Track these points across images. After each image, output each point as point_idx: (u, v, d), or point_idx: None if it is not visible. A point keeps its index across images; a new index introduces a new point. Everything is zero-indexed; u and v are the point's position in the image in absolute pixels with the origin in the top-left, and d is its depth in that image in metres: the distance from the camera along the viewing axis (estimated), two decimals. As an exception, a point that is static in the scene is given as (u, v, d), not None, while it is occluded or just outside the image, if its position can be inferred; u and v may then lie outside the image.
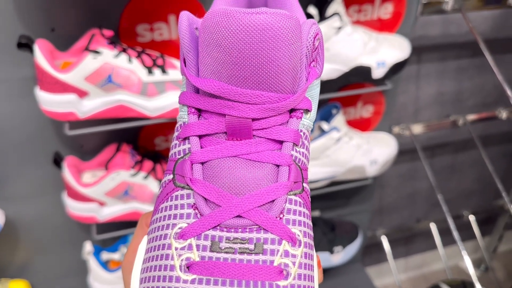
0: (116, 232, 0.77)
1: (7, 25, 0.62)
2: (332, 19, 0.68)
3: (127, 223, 0.78)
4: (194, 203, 0.25)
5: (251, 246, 0.24)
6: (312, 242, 0.27)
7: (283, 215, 0.25)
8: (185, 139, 0.27)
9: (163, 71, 0.63)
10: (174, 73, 0.64)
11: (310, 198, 0.28)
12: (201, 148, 0.26)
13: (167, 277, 0.24)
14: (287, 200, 0.26)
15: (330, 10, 0.68)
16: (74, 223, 0.82)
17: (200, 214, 0.25)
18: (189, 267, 0.23)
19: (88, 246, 0.78)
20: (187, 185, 0.26)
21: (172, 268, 0.24)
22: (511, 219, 1.41)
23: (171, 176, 0.27)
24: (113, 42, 0.61)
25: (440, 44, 1.02)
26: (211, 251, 0.24)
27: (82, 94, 0.60)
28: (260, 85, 0.25)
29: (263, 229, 0.24)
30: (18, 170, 0.74)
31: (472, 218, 1.30)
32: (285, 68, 0.25)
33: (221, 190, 0.25)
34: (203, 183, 0.25)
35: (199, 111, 0.27)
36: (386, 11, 0.81)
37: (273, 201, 0.25)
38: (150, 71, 0.62)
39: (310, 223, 0.27)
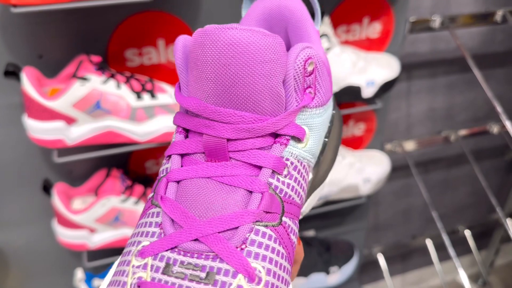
0: (107, 259, 0.76)
1: (-6, 53, 0.62)
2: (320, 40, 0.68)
3: (119, 250, 0.76)
4: (161, 222, 0.24)
5: (203, 275, 0.22)
6: (281, 285, 0.24)
7: (245, 246, 0.23)
8: (168, 157, 0.27)
9: (152, 95, 0.63)
10: (164, 97, 0.64)
11: (295, 237, 0.26)
12: (181, 167, 0.26)
13: None
14: (253, 230, 0.23)
15: (318, 31, 0.68)
16: (64, 251, 0.80)
17: (164, 233, 0.24)
18: (139, 286, 0.22)
19: (79, 274, 0.77)
20: (158, 203, 0.25)
21: (124, 285, 0.23)
22: (507, 232, 1.40)
23: (152, 194, 0.27)
24: (101, 68, 0.61)
25: (430, 61, 1.03)
26: (162, 273, 0.22)
27: (70, 121, 0.60)
28: (235, 104, 0.24)
29: (219, 257, 0.22)
30: (7, 197, 0.73)
31: (467, 233, 1.30)
32: (259, 87, 0.24)
33: (186, 211, 0.24)
34: (172, 202, 0.24)
35: (187, 131, 0.27)
36: (374, 31, 0.82)
37: (236, 228, 0.23)
38: (139, 96, 0.62)
39: (284, 263, 0.24)
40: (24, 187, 0.73)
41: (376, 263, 1.23)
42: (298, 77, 0.26)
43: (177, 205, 0.24)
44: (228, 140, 0.25)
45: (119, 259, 0.26)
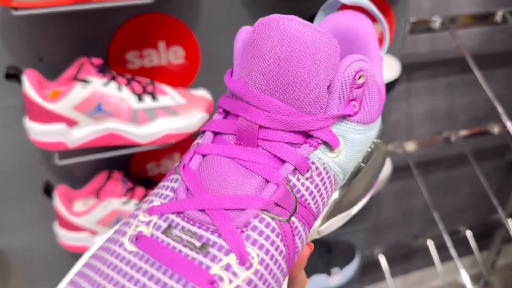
0: (109, 261, 0.76)
1: (-5, 56, 0.62)
2: (321, 41, 0.68)
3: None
4: (177, 188, 0.25)
5: (198, 244, 0.22)
6: (270, 280, 0.23)
7: (246, 230, 0.23)
8: (203, 133, 0.28)
9: (154, 97, 0.63)
10: (165, 100, 0.64)
11: (300, 242, 0.26)
12: (211, 143, 0.27)
13: (116, 239, 0.24)
14: (258, 217, 0.24)
15: (319, 32, 0.68)
16: (66, 253, 0.80)
17: (176, 199, 0.25)
18: (137, 239, 0.23)
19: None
20: (180, 171, 0.26)
21: (124, 234, 0.24)
22: (508, 233, 1.40)
23: (177, 163, 0.28)
24: (102, 70, 0.61)
25: (430, 61, 1.03)
26: (162, 232, 0.23)
27: (71, 123, 0.60)
28: (277, 94, 0.25)
29: (218, 232, 0.23)
30: (8, 200, 0.73)
31: (469, 233, 1.30)
32: (303, 82, 0.24)
33: (203, 182, 0.25)
34: (192, 172, 0.25)
35: (227, 113, 0.28)
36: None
37: (243, 210, 0.24)
38: (140, 98, 0.62)
39: (280, 260, 0.24)
40: (25, 189, 0.73)
41: (377, 264, 1.23)
42: (345, 86, 0.26)
43: (195, 176, 0.25)
44: (260, 127, 0.25)
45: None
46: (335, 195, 0.30)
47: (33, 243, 0.78)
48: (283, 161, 0.25)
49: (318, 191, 0.26)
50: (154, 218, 0.24)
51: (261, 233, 0.23)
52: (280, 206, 0.24)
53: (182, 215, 0.24)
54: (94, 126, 0.61)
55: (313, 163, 0.26)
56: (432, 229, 1.33)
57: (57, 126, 0.59)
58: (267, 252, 0.23)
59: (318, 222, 0.30)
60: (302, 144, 0.26)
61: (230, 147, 0.26)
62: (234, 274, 0.22)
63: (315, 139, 0.26)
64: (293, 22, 0.24)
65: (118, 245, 0.24)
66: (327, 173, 0.27)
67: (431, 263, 1.36)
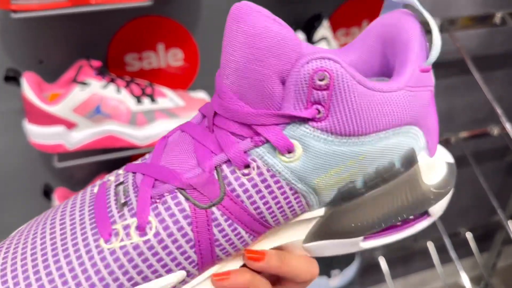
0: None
1: (-6, 59, 0.62)
2: (319, 43, 0.68)
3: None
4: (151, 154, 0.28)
5: (123, 200, 0.25)
6: (162, 254, 0.24)
7: (157, 202, 0.24)
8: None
9: (152, 99, 0.63)
10: (164, 102, 0.64)
11: (219, 237, 0.25)
12: (193, 122, 0.28)
13: (95, 184, 0.29)
14: (173, 193, 0.25)
15: (318, 35, 0.69)
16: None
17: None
18: (100, 186, 0.27)
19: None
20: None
21: (89, 185, 0.29)
22: (508, 234, 1.40)
23: None
24: (101, 72, 0.61)
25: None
26: (115, 185, 0.26)
27: (70, 125, 0.60)
28: (230, 82, 0.24)
29: (134, 193, 0.25)
30: (8, 202, 0.73)
31: (469, 235, 1.29)
32: (245, 72, 0.24)
33: (162, 152, 0.27)
34: (163, 142, 0.28)
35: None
36: (373, 33, 0.82)
37: (164, 183, 0.25)
38: (139, 100, 0.62)
39: (183, 244, 0.24)
40: (25, 192, 0.73)
41: (377, 266, 1.23)
42: (302, 84, 0.23)
43: (162, 145, 0.27)
44: (215, 113, 0.26)
45: None
46: (319, 212, 0.28)
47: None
48: (222, 150, 0.25)
49: (259, 193, 0.25)
50: (122, 172, 0.27)
51: (168, 208, 0.24)
52: (198, 191, 0.25)
53: (134, 176, 0.26)
54: (93, 128, 0.61)
55: (254, 160, 0.25)
56: (432, 231, 1.32)
57: (56, 129, 0.59)
58: (166, 228, 0.24)
59: (299, 236, 0.29)
60: (246, 137, 0.25)
61: (196, 128, 0.26)
62: (128, 235, 0.24)
63: (259, 136, 0.25)
64: (246, 12, 0.23)
65: (89, 188, 0.28)
66: (273, 176, 0.25)
67: (431, 265, 1.36)
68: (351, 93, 0.24)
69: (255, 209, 0.25)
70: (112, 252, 0.24)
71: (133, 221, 0.24)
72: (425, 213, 0.30)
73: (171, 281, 0.25)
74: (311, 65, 0.23)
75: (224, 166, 0.25)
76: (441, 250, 1.21)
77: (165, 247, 0.24)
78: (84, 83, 0.59)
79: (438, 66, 1.11)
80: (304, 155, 0.25)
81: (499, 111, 0.78)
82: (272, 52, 0.23)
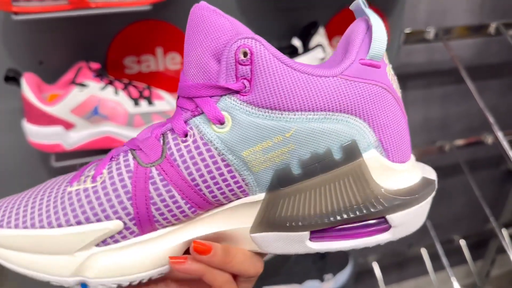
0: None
1: (-5, 59, 0.63)
2: (315, 50, 0.69)
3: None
4: None
5: (92, 172, 0.31)
6: (102, 199, 0.29)
7: (114, 159, 0.30)
8: None
9: (150, 102, 0.64)
10: (161, 104, 0.65)
11: (154, 195, 0.29)
12: None
13: None
14: (126, 152, 0.30)
15: (314, 41, 0.70)
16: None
17: None
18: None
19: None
20: None
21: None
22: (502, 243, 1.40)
23: None
24: (100, 74, 0.62)
25: (425, 71, 1.04)
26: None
27: (68, 126, 0.61)
28: (184, 69, 0.29)
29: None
30: (5, 202, 0.74)
31: (463, 242, 1.30)
32: (188, 52, 0.28)
33: None
34: None
35: None
36: (369, 41, 0.83)
37: (123, 146, 0.31)
38: (136, 102, 0.63)
39: (121, 194, 0.29)
40: (22, 190, 0.74)
41: (371, 272, 1.24)
42: (230, 60, 0.27)
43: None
44: (178, 96, 0.30)
45: None
46: (260, 196, 0.30)
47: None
48: (170, 121, 0.29)
49: (192, 158, 0.28)
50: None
51: (118, 163, 0.29)
52: (143, 151, 0.29)
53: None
54: (90, 129, 0.62)
55: (191, 129, 0.28)
56: (428, 238, 1.33)
57: (54, 129, 0.60)
58: (111, 178, 0.29)
59: (245, 223, 0.30)
60: (188, 110, 0.29)
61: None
62: (85, 181, 0.30)
63: (197, 108, 0.28)
64: (197, 7, 0.28)
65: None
66: (205, 144, 0.28)
67: (425, 272, 1.36)
68: (270, 69, 0.27)
69: (189, 174, 0.28)
70: (70, 194, 0.29)
71: (92, 173, 0.30)
72: (384, 222, 0.29)
73: (107, 227, 0.29)
74: (236, 44, 0.27)
75: (169, 134, 0.29)
76: (435, 257, 1.22)
77: (106, 194, 0.29)
78: (82, 85, 0.60)
79: (434, 74, 1.13)
80: (233, 126, 0.28)
81: (491, 120, 0.79)
82: (207, 35, 0.27)
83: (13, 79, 0.59)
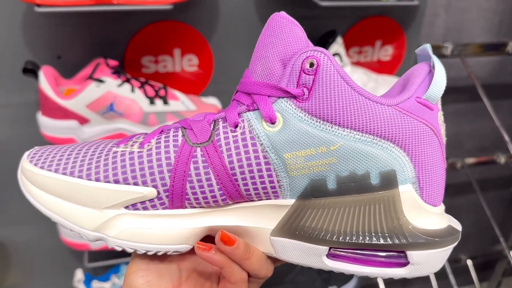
0: (108, 261, 0.76)
1: (15, 51, 0.63)
2: (332, 58, 0.69)
3: (119, 253, 0.77)
4: None
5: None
6: (152, 161, 0.30)
7: (164, 132, 0.32)
8: None
9: (165, 102, 0.64)
10: (176, 105, 0.65)
11: (192, 171, 0.30)
12: None
13: None
14: (177, 129, 0.31)
15: (331, 50, 0.70)
16: (66, 249, 0.81)
17: None
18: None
19: (79, 274, 0.77)
20: None
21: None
22: (510, 265, 1.38)
23: None
24: (117, 71, 0.62)
25: (440, 88, 1.04)
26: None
27: (83, 121, 0.61)
28: (250, 66, 0.31)
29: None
30: (12, 193, 0.74)
31: (469, 262, 1.28)
32: (257, 53, 0.30)
33: None
34: None
35: None
36: (386, 53, 0.83)
37: (177, 124, 0.32)
38: (152, 101, 0.63)
39: (163, 162, 0.30)
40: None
41: (375, 286, 1.22)
42: (296, 68, 0.28)
43: None
44: (236, 91, 0.32)
45: None
46: (290, 201, 0.30)
47: (34, 238, 0.79)
48: (224, 111, 0.31)
49: (236, 148, 0.29)
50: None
51: (167, 137, 0.31)
52: (193, 131, 0.30)
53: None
54: (105, 125, 0.62)
55: (243, 121, 0.30)
56: (433, 256, 1.31)
57: (69, 123, 0.61)
58: (158, 147, 0.30)
59: (268, 225, 0.31)
60: (244, 104, 0.30)
61: None
62: (132, 145, 0.31)
63: (253, 103, 0.29)
64: (277, 15, 0.29)
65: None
66: (252, 138, 0.29)
67: (430, 290, 1.35)
68: (332, 84, 0.28)
69: (230, 162, 0.29)
70: (115, 153, 0.31)
71: (141, 140, 0.31)
72: (403, 257, 0.30)
73: (141, 192, 0.30)
74: (306, 54, 0.28)
75: (221, 122, 0.30)
76: (441, 276, 1.20)
77: (150, 161, 0.30)
78: (99, 80, 0.60)
79: (448, 91, 1.11)
80: (283, 127, 0.29)
81: (507, 138, 0.78)
82: (281, 40, 0.29)
83: (31, 71, 0.60)
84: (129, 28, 0.67)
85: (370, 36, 0.80)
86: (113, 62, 0.63)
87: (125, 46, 0.68)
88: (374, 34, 0.80)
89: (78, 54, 0.66)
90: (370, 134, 0.29)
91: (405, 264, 0.30)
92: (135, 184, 0.30)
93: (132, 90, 0.62)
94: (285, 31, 0.29)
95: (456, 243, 0.31)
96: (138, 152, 0.30)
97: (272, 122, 0.29)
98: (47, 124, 0.61)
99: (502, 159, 1.09)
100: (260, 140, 0.29)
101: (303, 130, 0.29)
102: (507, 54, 0.95)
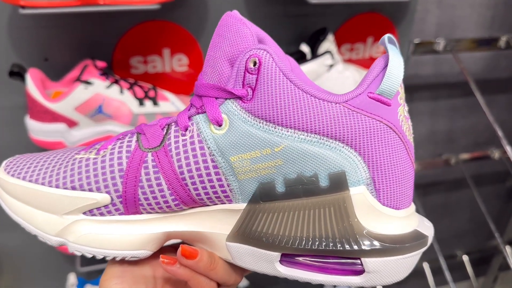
0: (101, 265, 0.76)
1: (2, 55, 0.62)
2: (324, 57, 0.69)
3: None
4: None
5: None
6: (99, 170, 0.30)
7: (121, 139, 0.32)
8: None
9: (155, 103, 0.63)
10: (166, 105, 0.64)
11: (143, 178, 0.30)
12: None
13: None
14: (133, 135, 0.32)
15: (322, 48, 0.69)
16: (58, 254, 0.80)
17: None
18: None
19: (72, 278, 0.76)
20: None
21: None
22: (506, 260, 1.39)
23: None
24: (105, 73, 0.61)
25: (433, 84, 1.03)
26: None
27: (71, 124, 0.60)
28: (203, 68, 0.30)
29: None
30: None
31: (465, 258, 1.28)
32: (208, 54, 0.29)
33: None
34: None
35: None
36: (378, 50, 0.82)
37: (132, 129, 0.33)
38: (141, 102, 0.62)
39: (115, 168, 0.30)
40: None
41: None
42: (241, 68, 0.27)
43: None
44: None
45: None
46: (241, 205, 0.30)
47: (26, 242, 0.78)
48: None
49: (185, 152, 0.29)
50: None
51: (121, 143, 0.31)
52: (146, 136, 0.30)
53: None
54: (93, 127, 0.61)
55: (192, 124, 0.29)
56: (430, 252, 1.32)
57: (57, 126, 0.60)
58: (112, 153, 0.31)
59: (224, 230, 0.31)
60: (195, 107, 0.30)
61: None
62: (90, 152, 0.32)
63: (202, 106, 0.29)
64: (228, 15, 0.29)
65: None
66: (200, 142, 0.29)
67: (426, 286, 1.35)
68: (273, 83, 0.27)
69: (179, 167, 0.29)
70: (74, 160, 0.31)
71: (99, 146, 0.32)
72: (358, 265, 0.28)
73: (95, 198, 0.30)
74: (249, 52, 0.27)
75: (173, 126, 0.30)
76: (437, 272, 1.20)
77: (103, 167, 0.30)
78: (87, 82, 0.59)
79: (442, 87, 1.12)
80: (229, 130, 0.28)
81: (500, 133, 0.78)
82: (228, 40, 0.28)
83: (17, 74, 0.59)
84: (117, 28, 0.66)
85: (361, 33, 0.80)
86: (101, 64, 0.62)
87: (113, 47, 0.67)
88: (365, 31, 0.80)
89: (66, 56, 0.65)
90: (316, 133, 0.27)
91: (361, 272, 0.28)
92: (90, 190, 0.30)
93: (121, 92, 0.61)
94: (232, 31, 0.28)
95: (423, 249, 0.29)
96: (94, 158, 0.31)
97: (219, 124, 0.28)
98: (35, 128, 0.60)
99: (496, 154, 1.09)
100: (208, 144, 0.29)
101: (247, 132, 0.28)
102: (499, 49, 0.94)
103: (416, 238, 0.28)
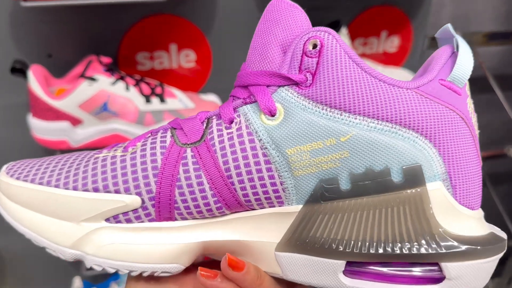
0: (107, 268, 0.74)
1: (2, 49, 0.60)
2: (337, 50, 0.66)
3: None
4: None
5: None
6: (134, 166, 0.27)
7: (152, 135, 0.28)
8: None
9: (162, 100, 0.61)
10: (173, 103, 0.62)
11: (182, 176, 0.26)
12: None
13: None
14: (166, 130, 0.28)
15: (335, 41, 0.66)
16: (64, 257, 0.78)
17: None
18: None
19: (77, 282, 0.74)
20: None
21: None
22: (521, 261, 1.35)
23: None
24: (110, 69, 0.59)
25: (447, 80, 1.01)
26: None
27: (75, 122, 0.58)
28: (247, 58, 0.28)
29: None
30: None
31: (481, 259, 1.25)
32: (254, 41, 0.26)
33: None
34: None
35: None
36: (392, 45, 0.80)
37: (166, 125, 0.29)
38: (148, 99, 0.60)
39: (149, 166, 0.26)
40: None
41: None
42: (297, 52, 0.25)
43: None
44: (234, 87, 0.28)
45: None
46: (296, 208, 0.26)
47: (31, 246, 0.76)
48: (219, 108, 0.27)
49: (232, 146, 0.26)
50: None
51: (154, 139, 0.27)
52: (183, 131, 0.27)
53: None
54: (98, 125, 0.59)
55: (238, 116, 0.26)
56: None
57: (60, 124, 0.58)
58: (143, 150, 0.27)
59: (272, 238, 0.27)
60: (240, 98, 0.26)
61: None
62: (115, 150, 0.28)
63: (250, 96, 0.26)
64: (273, 0, 0.27)
65: None
66: (249, 134, 0.25)
67: None
68: (339, 66, 0.24)
69: (224, 163, 0.25)
70: (96, 159, 0.27)
71: (125, 144, 0.28)
72: (437, 271, 0.25)
73: (123, 201, 0.26)
74: (308, 35, 0.25)
75: (214, 119, 0.27)
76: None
77: (133, 165, 0.26)
78: (92, 79, 0.57)
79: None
80: (284, 119, 0.25)
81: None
82: (280, 25, 0.25)
83: (20, 70, 0.57)
84: (122, 23, 0.64)
85: (375, 27, 0.77)
86: (106, 59, 0.60)
87: (118, 42, 0.65)
88: (379, 25, 0.77)
89: (69, 51, 0.63)
90: (387, 121, 0.24)
91: (440, 279, 0.24)
92: (117, 191, 0.26)
93: (127, 88, 0.59)
94: (285, 16, 0.26)
95: (501, 254, 0.25)
96: (121, 156, 0.27)
97: (272, 114, 0.25)
98: (38, 126, 0.58)
99: (513, 152, 1.05)
100: (259, 136, 0.25)
101: (308, 120, 0.24)
102: (517, 42, 0.91)
103: (495, 241, 0.25)
